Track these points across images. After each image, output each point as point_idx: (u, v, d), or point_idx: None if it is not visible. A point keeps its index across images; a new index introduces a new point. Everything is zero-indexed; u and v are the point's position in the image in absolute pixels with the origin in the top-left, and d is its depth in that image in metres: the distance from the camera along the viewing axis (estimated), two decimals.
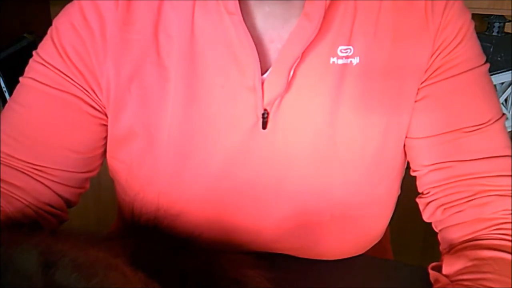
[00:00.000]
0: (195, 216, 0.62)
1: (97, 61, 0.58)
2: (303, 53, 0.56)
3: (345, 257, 0.67)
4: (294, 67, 0.56)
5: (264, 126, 0.58)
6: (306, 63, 0.57)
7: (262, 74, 0.57)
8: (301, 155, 0.60)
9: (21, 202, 0.58)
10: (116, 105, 0.59)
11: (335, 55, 0.57)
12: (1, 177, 0.58)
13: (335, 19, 0.57)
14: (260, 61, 0.56)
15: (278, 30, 0.57)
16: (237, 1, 0.54)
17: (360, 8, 0.58)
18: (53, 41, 0.59)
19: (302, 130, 0.59)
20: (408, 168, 0.65)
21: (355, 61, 0.58)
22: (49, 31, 0.60)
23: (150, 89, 0.58)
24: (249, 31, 0.55)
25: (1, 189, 0.58)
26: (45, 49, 0.59)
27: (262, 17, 0.57)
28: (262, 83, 0.56)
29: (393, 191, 0.66)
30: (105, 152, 0.64)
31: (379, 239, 0.71)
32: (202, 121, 0.58)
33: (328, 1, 0.55)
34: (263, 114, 0.58)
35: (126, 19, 0.57)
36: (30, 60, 0.60)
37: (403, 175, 0.66)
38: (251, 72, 0.56)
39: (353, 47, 0.58)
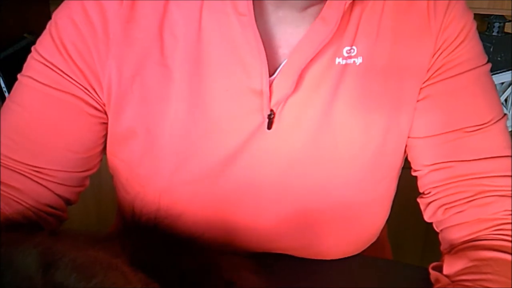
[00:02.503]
0: (196, 216, 0.62)
1: (98, 59, 0.57)
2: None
3: (345, 255, 0.67)
4: (302, 68, 0.56)
5: (269, 126, 0.58)
6: (314, 64, 0.57)
7: (269, 75, 0.56)
8: (302, 155, 0.60)
9: (20, 204, 0.58)
10: (117, 103, 0.59)
11: (340, 55, 0.58)
12: (1, 180, 0.58)
13: (343, 21, 0.57)
14: (267, 64, 0.55)
15: (287, 36, 0.57)
16: (251, 2, 0.53)
17: (366, 9, 0.58)
18: (52, 37, 0.57)
19: (304, 129, 0.59)
20: (408, 168, 0.65)
21: (358, 61, 0.58)
22: (48, 26, 0.59)
23: (152, 89, 0.58)
24: (259, 34, 0.55)
25: (1, 192, 0.57)
26: (44, 46, 0.58)
27: (273, 22, 0.57)
28: (270, 85, 0.56)
29: (391, 190, 0.67)
30: (104, 148, 0.64)
31: (377, 236, 0.71)
32: (206, 122, 0.58)
33: (345, 7, 0.54)
34: (269, 115, 0.58)
35: (130, 16, 0.57)
36: (29, 57, 0.59)
37: (400, 173, 0.66)
38: (257, 75, 0.56)
39: (356, 47, 0.58)
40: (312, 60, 0.56)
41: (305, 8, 0.55)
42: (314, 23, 0.55)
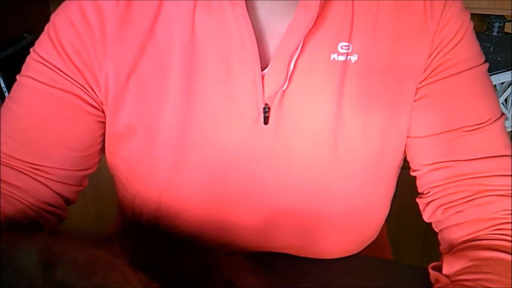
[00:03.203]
0: (195, 214, 0.62)
1: (96, 59, 0.58)
2: (302, 46, 0.56)
3: (344, 254, 0.68)
4: (294, 60, 0.57)
5: (266, 121, 0.58)
6: (306, 56, 0.57)
7: (262, 70, 0.57)
8: (302, 152, 0.60)
9: (21, 202, 0.58)
10: (114, 102, 0.59)
11: (335, 51, 0.58)
12: (1, 177, 0.58)
13: (335, 15, 0.57)
14: (260, 57, 0.56)
15: (278, 27, 0.58)
16: None
17: (357, 7, 0.58)
18: (50, 38, 0.58)
19: (303, 126, 0.59)
20: (407, 167, 0.65)
21: (354, 58, 0.58)
22: (46, 28, 0.60)
23: (149, 85, 0.58)
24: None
25: (1, 189, 0.57)
26: (42, 46, 0.59)
27: (263, 12, 0.57)
28: (263, 78, 0.57)
29: (390, 189, 0.67)
30: (103, 148, 0.64)
31: (377, 235, 0.71)
32: (202, 117, 0.58)
33: None
34: (264, 109, 0.58)
35: (126, 16, 0.57)
36: (28, 58, 0.60)
37: (399, 172, 0.66)
38: (250, 66, 0.56)
39: (352, 44, 0.58)
40: (303, 53, 0.57)
41: None
42: (297, 10, 0.56)
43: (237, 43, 0.56)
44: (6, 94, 1.28)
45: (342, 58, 0.58)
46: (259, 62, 0.56)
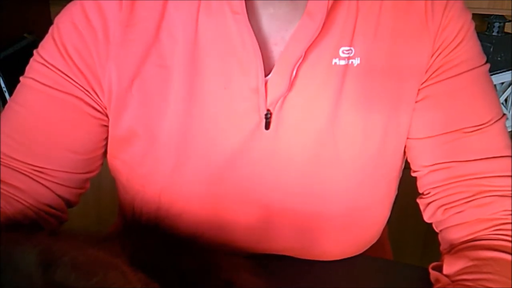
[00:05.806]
0: (195, 215, 0.62)
1: (99, 62, 0.57)
2: (305, 52, 0.56)
3: (345, 257, 0.67)
4: (296, 66, 0.56)
5: (267, 126, 0.58)
6: (309, 63, 0.57)
7: (266, 76, 0.57)
8: (302, 155, 0.60)
9: (21, 203, 0.58)
10: (117, 105, 0.59)
11: (337, 56, 0.57)
12: (1, 178, 0.58)
13: (337, 20, 0.57)
14: (263, 63, 0.56)
15: (282, 33, 0.57)
16: (243, 1, 0.54)
17: (362, 9, 0.58)
18: (54, 40, 0.58)
19: (304, 131, 0.59)
20: (407, 168, 0.65)
21: (356, 62, 0.58)
22: (50, 30, 0.60)
23: (151, 90, 0.58)
24: (254, 32, 0.55)
25: (1, 190, 0.57)
26: (46, 49, 0.59)
27: (266, 19, 0.57)
28: (265, 84, 0.56)
29: (391, 191, 0.67)
30: (105, 152, 0.64)
31: (378, 238, 0.71)
32: (204, 122, 0.58)
33: (331, 1, 0.55)
34: (266, 115, 0.58)
35: (129, 20, 0.57)
36: (31, 60, 0.60)
37: (400, 175, 0.66)
38: (253, 73, 0.56)
39: (354, 48, 0.58)
40: (305, 59, 0.57)
41: None
42: (302, 19, 0.55)
43: (239, 50, 0.56)
44: (6, 94, 1.27)
45: (343, 62, 0.58)
46: (263, 69, 0.56)
